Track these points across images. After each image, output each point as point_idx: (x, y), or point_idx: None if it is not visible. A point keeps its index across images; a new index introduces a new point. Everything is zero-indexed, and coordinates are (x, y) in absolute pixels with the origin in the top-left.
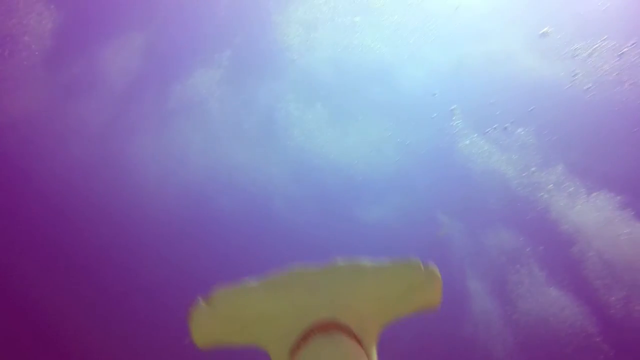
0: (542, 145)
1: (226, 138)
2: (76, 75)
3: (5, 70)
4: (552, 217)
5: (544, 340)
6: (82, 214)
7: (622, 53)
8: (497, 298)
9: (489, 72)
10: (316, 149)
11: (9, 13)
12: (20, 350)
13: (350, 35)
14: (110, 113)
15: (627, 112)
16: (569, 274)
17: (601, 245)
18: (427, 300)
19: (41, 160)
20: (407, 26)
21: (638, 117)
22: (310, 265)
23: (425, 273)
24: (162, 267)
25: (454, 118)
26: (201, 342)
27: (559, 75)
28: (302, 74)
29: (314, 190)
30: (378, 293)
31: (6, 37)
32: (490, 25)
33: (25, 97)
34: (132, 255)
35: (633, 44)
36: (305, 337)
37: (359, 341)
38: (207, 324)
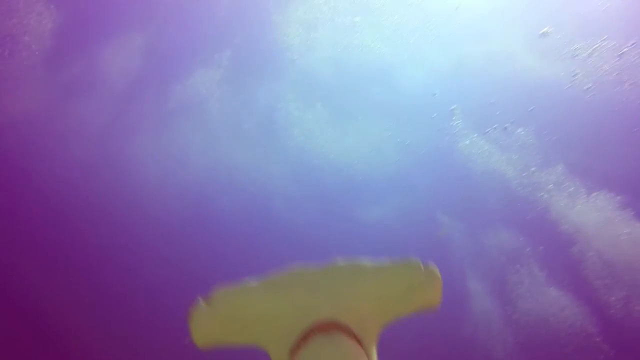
0: (542, 145)
1: (226, 138)
2: (76, 75)
3: (5, 70)
4: (552, 217)
5: (544, 340)
6: (82, 214)
7: (622, 53)
8: (497, 298)
9: (489, 72)
10: (316, 149)
11: (9, 13)
12: (20, 350)
13: (350, 35)
14: (110, 113)
15: (627, 112)
16: (569, 274)
17: (601, 245)
18: (427, 300)
19: (41, 160)
20: (407, 26)
21: (638, 117)
22: (310, 265)
23: (425, 273)
24: (162, 267)
25: (454, 118)
26: (201, 342)
27: (559, 75)
28: (302, 74)
29: (314, 190)
30: (378, 293)
31: (6, 37)
32: (490, 25)
33: (25, 97)
34: (132, 255)
35: (633, 44)
36: (305, 337)
37: (359, 341)
38: (207, 324)
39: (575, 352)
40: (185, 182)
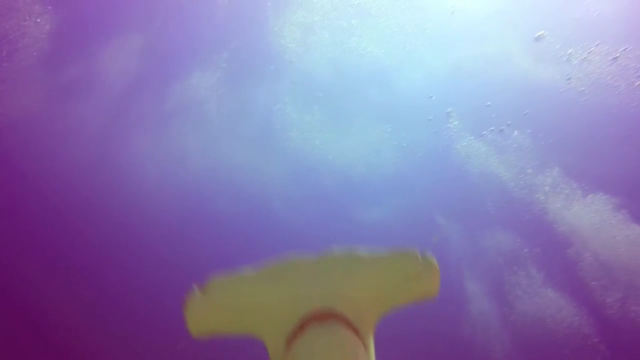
0: (538, 148)
1: (225, 139)
2: (75, 76)
3: (4, 71)
4: (548, 219)
5: (541, 341)
6: (81, 214)
7: (616, 57)
8: (494, 299)
9: (485, 75)
10: (314, 150)
11: (7, 15)
12: (20, 350)
13: (347, 38)
14: (109, 114)
15: (621, 115)
16: (566, 276)
17: (597, 247)
18: (424, 290)
19: (41, 161)
20: (403, 29)
21: (632, 120)
22: (306, 254)
23: (423, 263)
24: (161, 267)
25: (450, 120)
26: (196, 332)
27: (555, 78)
28: (300, 76)
29: (313, 191)
30: (375, 282)
31: (4, 38)
32: (486, 28)
33: (24, 98)
34: (132, 255)
35: (625, 49)
36: (302, 326)
37: (355, 331)
38: (202, 313)
39: (572, 353)
40: (184, 183)
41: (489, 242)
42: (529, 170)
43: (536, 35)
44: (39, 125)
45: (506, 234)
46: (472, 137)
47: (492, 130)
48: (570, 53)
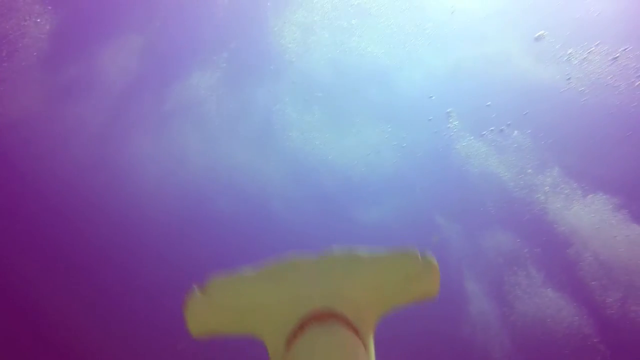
0: (538, 148)
1: (225, 139)
2: (75, 76)
3: (3, 71)
4: (548, 219)
5: (541, 341)
6: (81, 214)
7: (616, 57)
8: (494, 299)
9: (484, 75)
10: (314, 150)
11: (7, 15)
12: (20, 350)
13: (347, 38)
14: (109, 114)
15: (621, 115)
16: (566, 276)
17: (597, 247)
18: (424, 289)
19: (41, 161)
20: (403, 29)
21: (632, 120)
22: (306, 254)
23: (423, 262)
24: (161, 267)
25: (450, 120)
26: (196, 332)
27: (555, 78)
28: (300, 76)
29: (312, 191)
30: (375, 282)
31: (4, 38)
32: (486, 29)
33: (24, 98)
34: (132, 255)
35: (625, 49)
36: (302, 326)
37: (355, 331)
38: (202, 313)
39: (572, 353)
40: (184, 183)
41: (488, 242)
42: (529, 170)
43: (536, 35)
44: (39, 125)
45: (506, 234)
46: (472, 137)
47: (492, 130)
48: (570, 53)
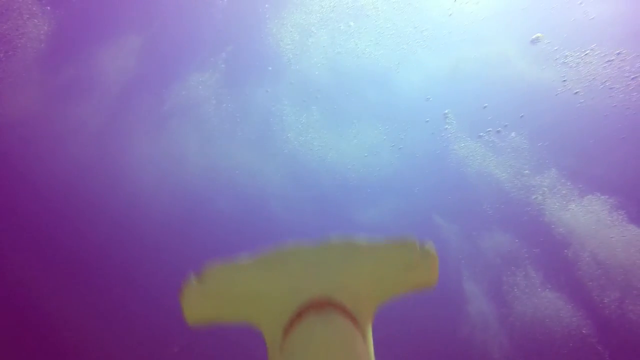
0: (535, 149)
1: (223, 140)
2: (73, 77)
3: (2, 72)
4: (546, 220)
5: (539, 341)
6: (81, 214)
7: (611, 60)
8: (493, 300)
9: (482, 77)
10: (312, 151)
11: (5, 15)
12: (20, 350)
13: (345, 40)
14: (108, 115)
15: (617, 117)
16: (564, 276)
17: (595, 247)
18: (423, 279)
19: (40, 161)
20: (401, 31)
21: (627, 122)
22: (304, 242)
23: (422, 252)
24: (161, 267)
25: (447, 122)
26: (192, 320)
27: (551, 80)
28: (298, 77)
29: (311, 192)
30: (373, 271)
31: (3, 39)
32: (483, 31)
33: (23, 99)
34: (131, 254)
35: (620, 52)
36: (299, 315)
37: (354, 320)
38: (198, 301)
39: (570, 353)
40: (183, 183)
41: (487, 243)
42: (526, 172)
43: (533, 37)
44: (39, 125)
45: (504, 235)
46: (469, 139)
47: (489, 131)
48: (566, 55)
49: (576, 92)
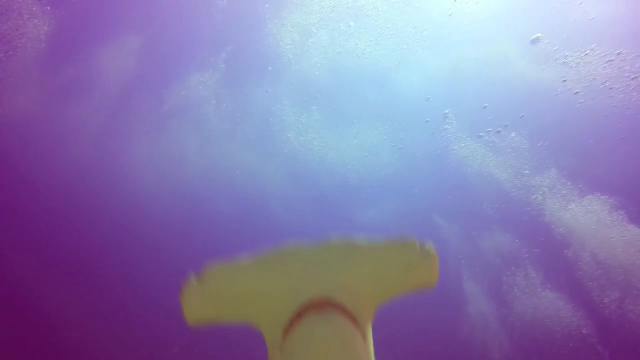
0: (535, 149)
1: (223, 140)
2: (73, 77)
3: (2, 71)
4: (546, 220)
5: (539, 341)
6: (81, 214)
7: (611, 60)
8: (493, 300)
9: (482, 76)
10: (312, 151)
11: (5, 15)
12: (20, 350)
13: (345, 40)
14: (108, 115)
15: (617, 117)
16: (564, 276)
17: (595, 247)
18: (423, 279)
19: (40, 161)
20: (401, 31)
21: (627, 122)
22: (304, 242)
23: (422, 252)
24: (160, 267)
25: (447, 122)
26: (192, 319)
27: (551, 80)
28: (298, 77)
29: (310, 192)
30: (373, 271)
31: (3, 39)
32: (483, 31)
33: (23, 99)
34: (131, 254)
35: (620, 52)
36: (299, 315)
37: (354, 320)
38: (198, 301)
39: (570, 353)
40: (183, 183)
41: (487, 243)
42: (526, 172)
43: (533, 37)
44: (39, 125)
45: (504, 235)
46: (469, 139)
47: (489, 131)
48: (566, 55)
49: (576, 92)
